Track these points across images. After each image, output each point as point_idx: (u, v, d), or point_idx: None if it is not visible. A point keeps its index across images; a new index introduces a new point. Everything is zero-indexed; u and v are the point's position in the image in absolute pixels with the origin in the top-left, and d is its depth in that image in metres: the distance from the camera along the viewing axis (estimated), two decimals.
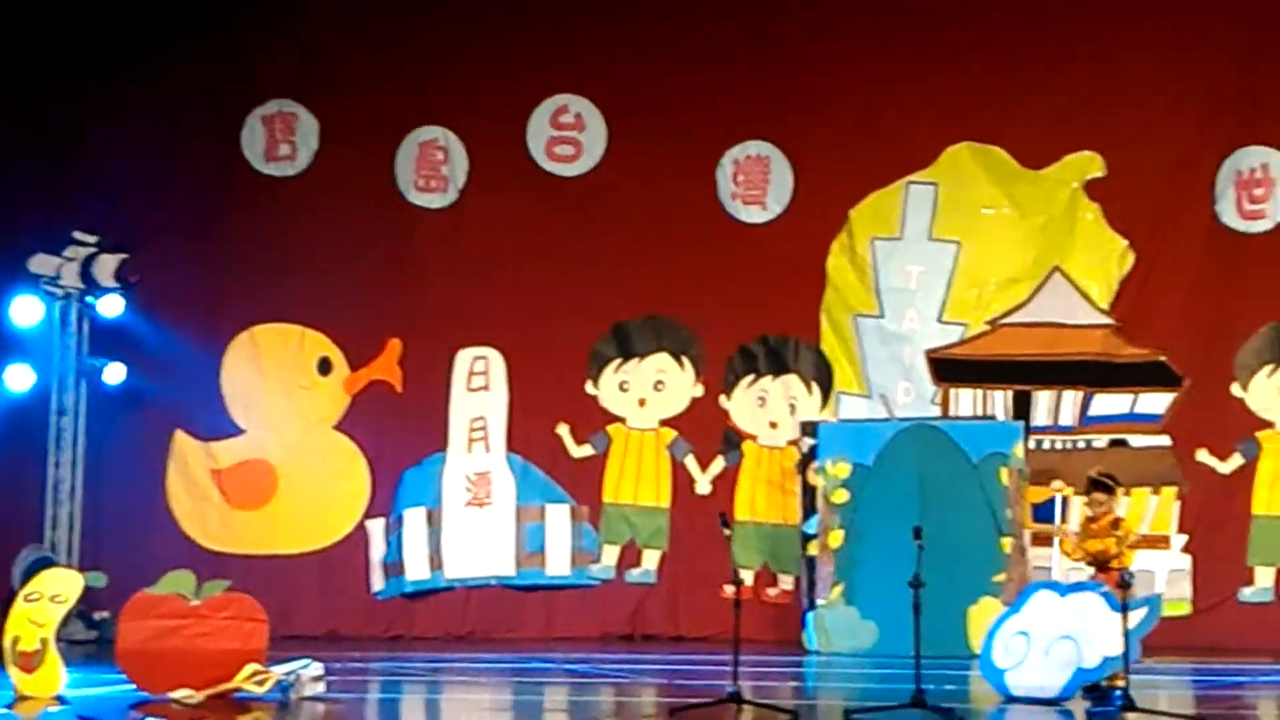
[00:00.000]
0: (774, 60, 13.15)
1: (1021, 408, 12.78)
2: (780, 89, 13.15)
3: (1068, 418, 12.80)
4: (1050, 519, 11.94)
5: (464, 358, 13.28)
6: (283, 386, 13.26)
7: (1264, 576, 12.48)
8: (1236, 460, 12.59)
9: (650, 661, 11.60)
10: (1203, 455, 12.60)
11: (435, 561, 13.04)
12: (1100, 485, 9.61)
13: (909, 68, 13.00)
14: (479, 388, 13.28)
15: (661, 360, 13.26)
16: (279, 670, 9.18)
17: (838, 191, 13.11)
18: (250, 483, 13.15)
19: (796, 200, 13.18)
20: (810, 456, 12.36)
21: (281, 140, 13.37)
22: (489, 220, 13.25)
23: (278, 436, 13.24)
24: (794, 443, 12.88)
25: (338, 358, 13.28)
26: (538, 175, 13.35)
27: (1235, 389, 12.60)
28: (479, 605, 13.09)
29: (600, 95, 13.30)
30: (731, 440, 13.17)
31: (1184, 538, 12.59)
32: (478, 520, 13.11)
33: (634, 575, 13.14)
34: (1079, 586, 9.48)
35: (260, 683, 9.04)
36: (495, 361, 13.28)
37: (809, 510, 12.34)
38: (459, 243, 13.27)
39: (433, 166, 13.35)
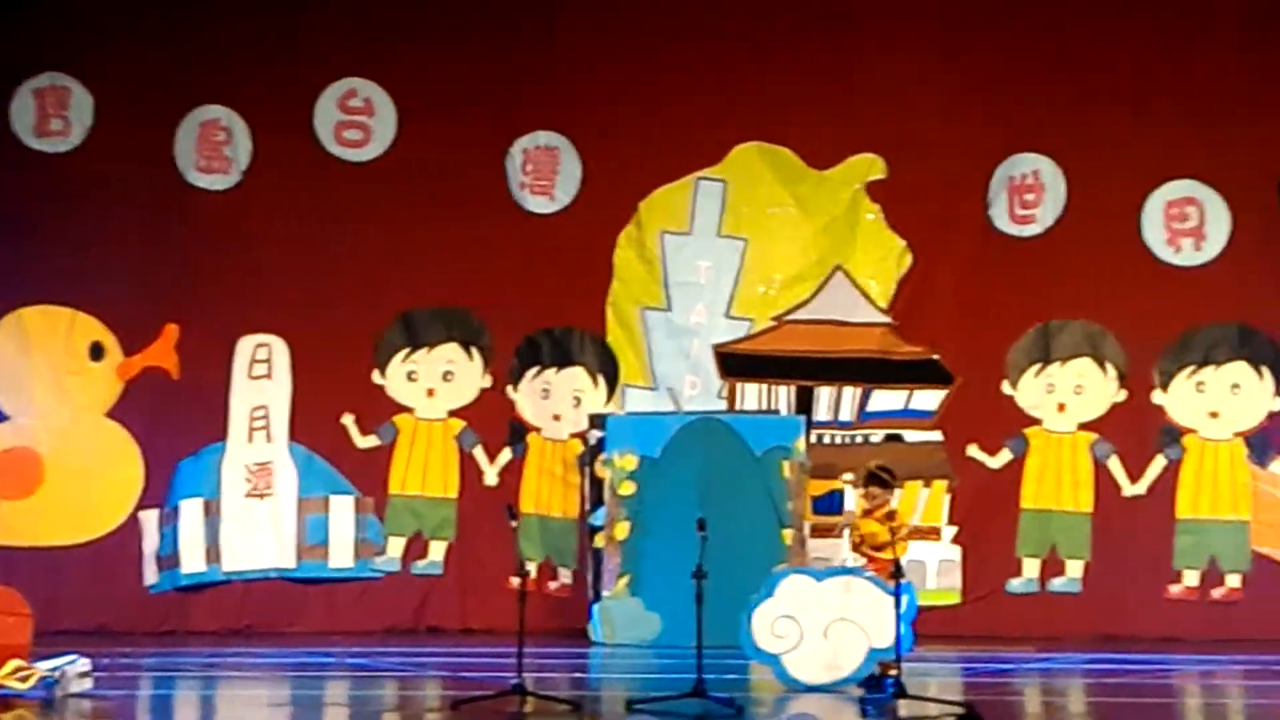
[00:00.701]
0: (565, 51, 13.17)
1: (804, 403, 13.04)
2: (570, 80, 13.16)
3: (847, 413, 13.11)
4: (829, 512, 12.30)
5: (245, 345, 12.96)
6: (51, 372, 12.76)
7: (1030, 567, 12.94)
8: (1005, 456, 13.03)
9: (435, 654, 11.52)
10: (973, 450, 13.01)
11: (212, 554, 12.70)
12: (877, 479, 9.91)
13: (699, 66, 13.12)
14: (261, 375, 12.97)
15: (450, 350, 13.16)
16: (43, 666, 8.86)
17: (627, 184, 13.17)
18: (15, 471, 12.62)
19: (585, 192, 13.20)
20: (598, 449, 12.42)
21: (53, 114, 12.84)
22: (273, 204, 12.95)
23: (45, 424, 12.73)
24: (579, 435, 12.93)
25: (110, 342, 12.83)
26: (325, 159, 13.09)
27: (1005, 387, 13.03)
28: (258, 599, 12.79)
29: (391, 80, 13.11)
30: (517, 432, 13.14)
31: (954, 530, 12.98)
32: (257, 512, 12.82)
33: (420, 567, 13.02)
34: (834, 571, 9.78)
35: (24, 679, 8.74)
36: (278, 349, 12.98)
37: (596, 502, 12.41)
38: (241, 226, 12.92)
39: (214, 147, 12.99)
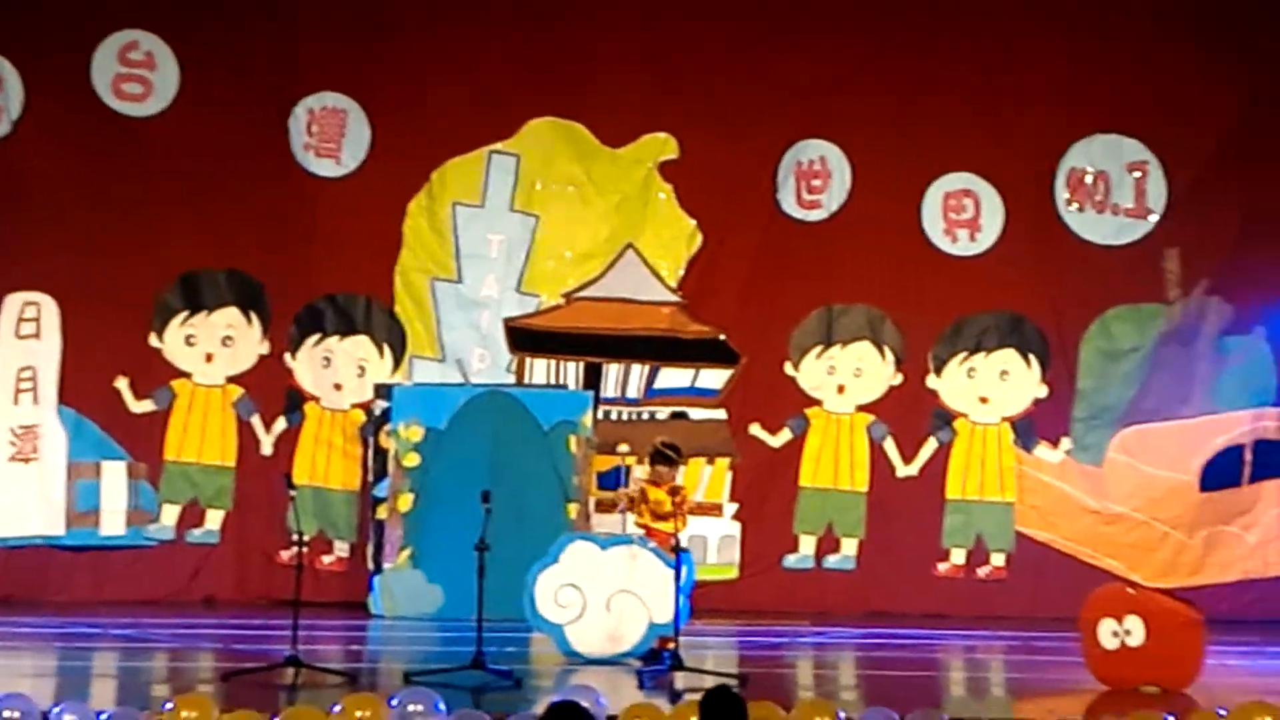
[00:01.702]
0: (356, 12, 12.92)
1: (592, 379, 13.09)
2: (361, 42, 12.92)
3: (634, 390, 13.21)
4: (613, 488, 12.37)
5: (12, 302, 12.42)
6: None
7: (806, 544, 13.24)
8: (786, 435, 13.30)
9: (208, 626, 11.24)
10: (755, 429, 13.24)
11: None
12: (663, 455, 10.02)
13: (495, 37, 13.02)
14: (29, 335, 12.43)
15: (230, 315, 12.80)
16: None
17: (419, 152, 12.99)
18: None
19: (374, 157, 12.97)
20: (383, 419, 12.26)
21: None
22: (46, 157, 12.43)
23: None
24: (362, 405, 12.74)
25: None
26: (103, 113, 12.62)
27: (788, 368, 13.29)
28: (23, 566, 12.30)
29: (173, 34, 12.68)
30: (294, 401, 12.87)
31: (735, 506, 13.20)
32: (23, 476, 12.29)
33: (195, 536, 12.66)
34: (618, 540, 9.88)
35: None
36: (48, 308, 12.45)
37: (380, 474, 12.26)
38: (11, 179, 12.38)
39: None
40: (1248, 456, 13.24)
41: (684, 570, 9.42)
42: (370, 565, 12.26)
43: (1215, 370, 13.34)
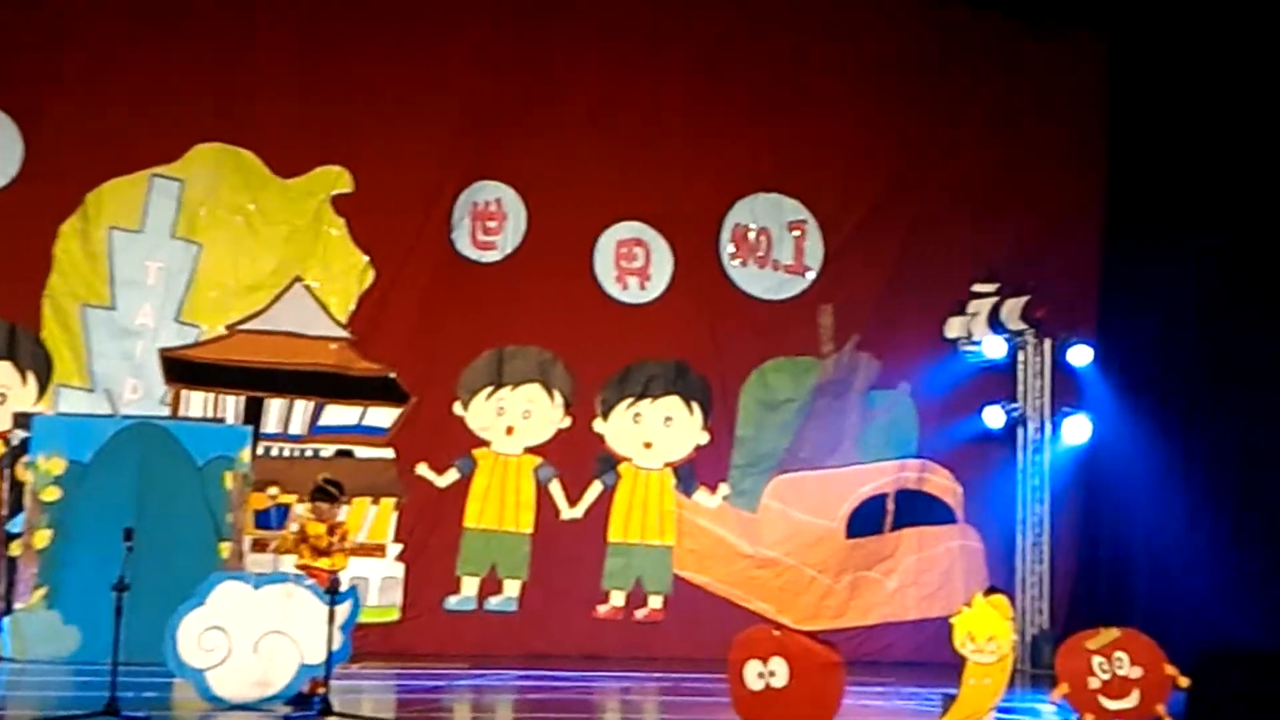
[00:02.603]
0: (11, 18, 12.23)
1: (253, 413, 12.70)
2: (16, 51, 12.26)
3: (298, 426, 12.89)
4: (270, 527, 11.98)
5: None
6: None
7: (469, 586, 13.17)
8: (453, 475, 13.22)
9: None
10: (422, 469, 13.12)
11: None
12: (324, 493, 9.78)
13: (165, 55, 12.57)
14: None
15: None
16: None
17: (73, 172, 12.38)
18: None
19: (25, 174, 12.29)
20: (21, 450, 11.55)
21: None
22: None
23: None
24: (2, 435, 12.02)
25: None
26: None
27: (457, 408, 13.24)
28: None
29: None
30: None
31: (399, 547, 13.03)
32: None
33: None
34: (273, 578, 9.58)
35: None
36: None
37: (15, 508, 11.53)
38: None
39: None
40: (890, 505, 13.95)
41: (347, 606, 9.19)
42: (1, 605, 11.52)
43: (863, 422, 14.02)
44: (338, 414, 13.02)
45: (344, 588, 9.36)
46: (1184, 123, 13.30)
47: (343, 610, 9.10)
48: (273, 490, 10.78)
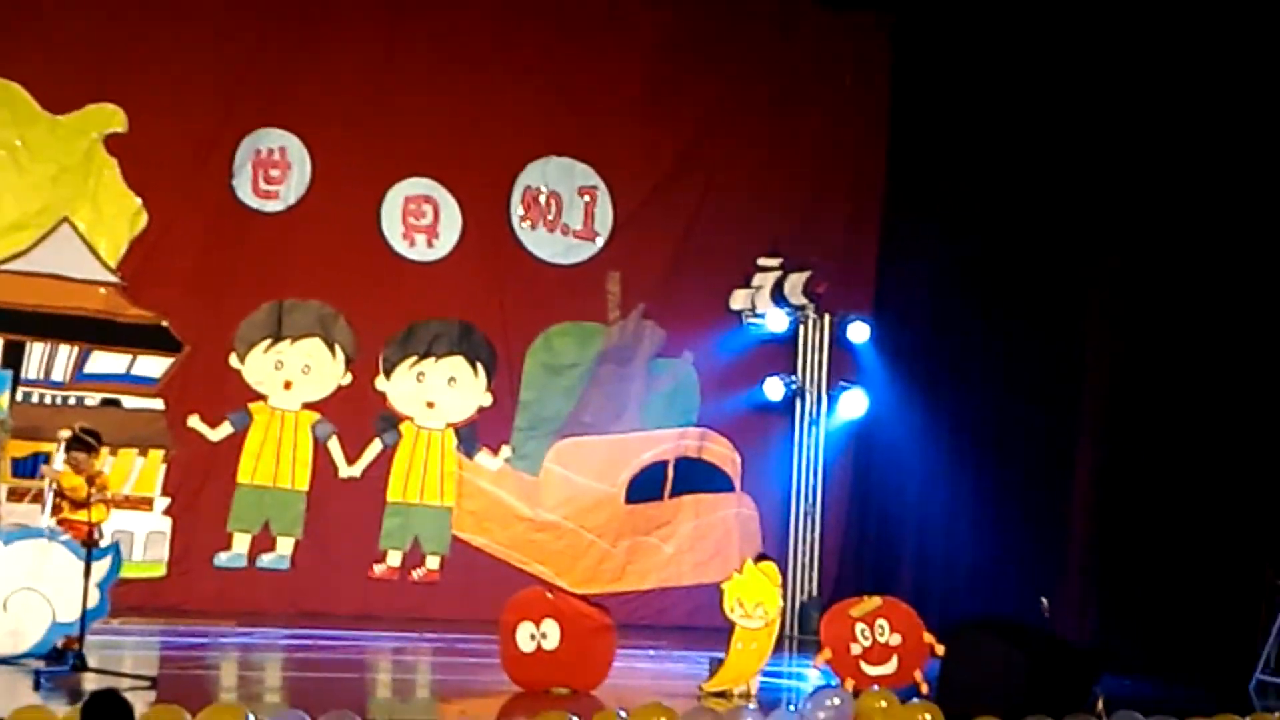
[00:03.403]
0: None
1: (12, 358, 12.10)
2: None
3: (61, 373, 12.36)
4: (31, 476, 11.51)
5: None
6: None
7: (240, 542, 12.87)
8: (226, 429, 12.88)
9: None
10: (194, 421, 12.75)
11: None
12: (81, 442, 9.45)
13: None
14: None
15: None
16: None
17: None
18: None
19: None
20: None
21: None
22: None
23: None
24: None
25: None
26: None
27: (233, 360, 12.89)
28: None
29: None
30: None
31: (167, 500, 12.64)
32: None
33: None
34: (27, 533, 9.24)
35: None
36: None
37: None
38: None
39: None
40: (669, 473, 14.12)
41: (106, 562, 8.88)
42: None
43: (646, 390, 14.13)
44: (105, 361, 12.53)
45: (105, 542, 9.07)
46: (961, 108, 13.70)
47: (101, 566, 8.81)
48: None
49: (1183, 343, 12.20)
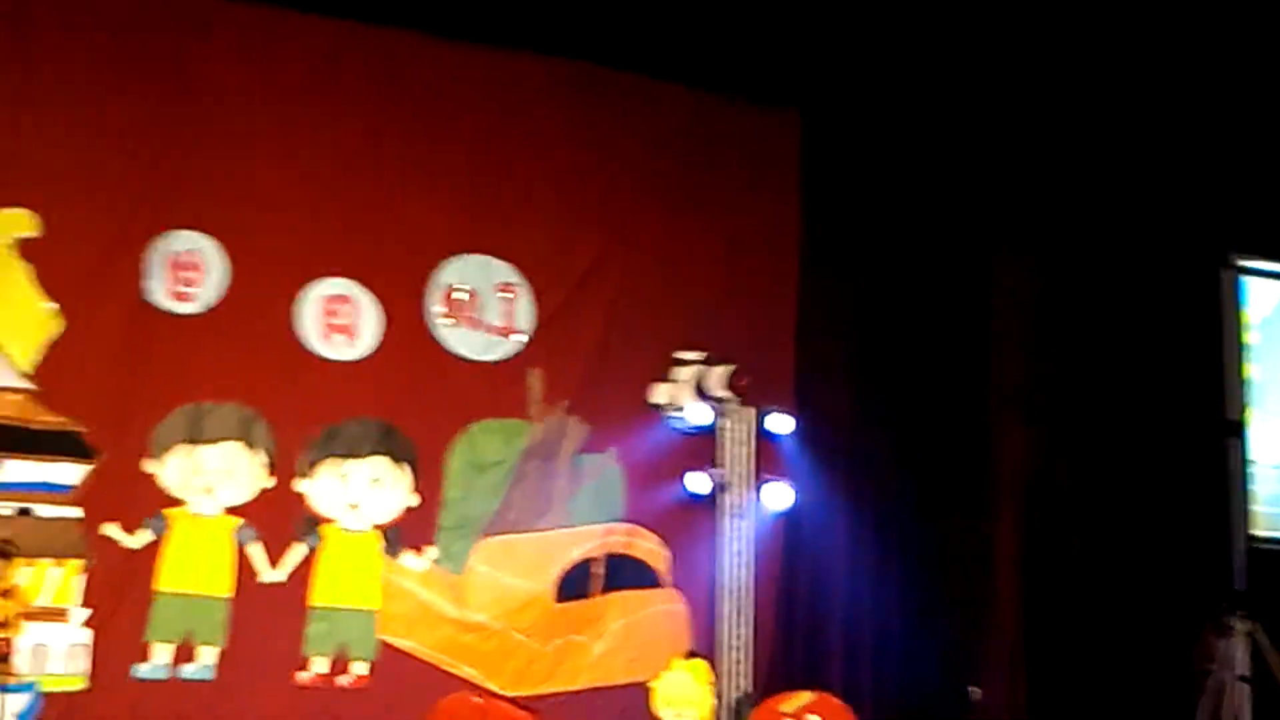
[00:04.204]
0: None
1: None
2: None
3: None
4: None
5: None
6: None
7: (161, 653, 12.57)
8: (145, 535, 12.63)
9: None
10: (111, 529, 12.48)
11: None
12: None
13: None
14: None
15: None
16: None
17: None
18: None
19: None
20: None
21: None
22: None
23: None
24: None
25: None
26: None
27: (149, 465, 12.69)
28: None
29: None
30: None
31: (86, 611, 12.30)
32: None
33: None
34: None
35: None
36: None
37: None
38: None
39: None
40: (598, 570, 14.03)
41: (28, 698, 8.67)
42: None
43: (572, 486, 14.07)
44: (17, 469, 12.25)
45: (18, 655, 8.85)
46: (871, 197, 13.96)
47: (20, 700, 8.59)
48: None
49: (1098, 434, 12.40)
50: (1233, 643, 11.92)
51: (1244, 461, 13.11)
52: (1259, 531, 13.18)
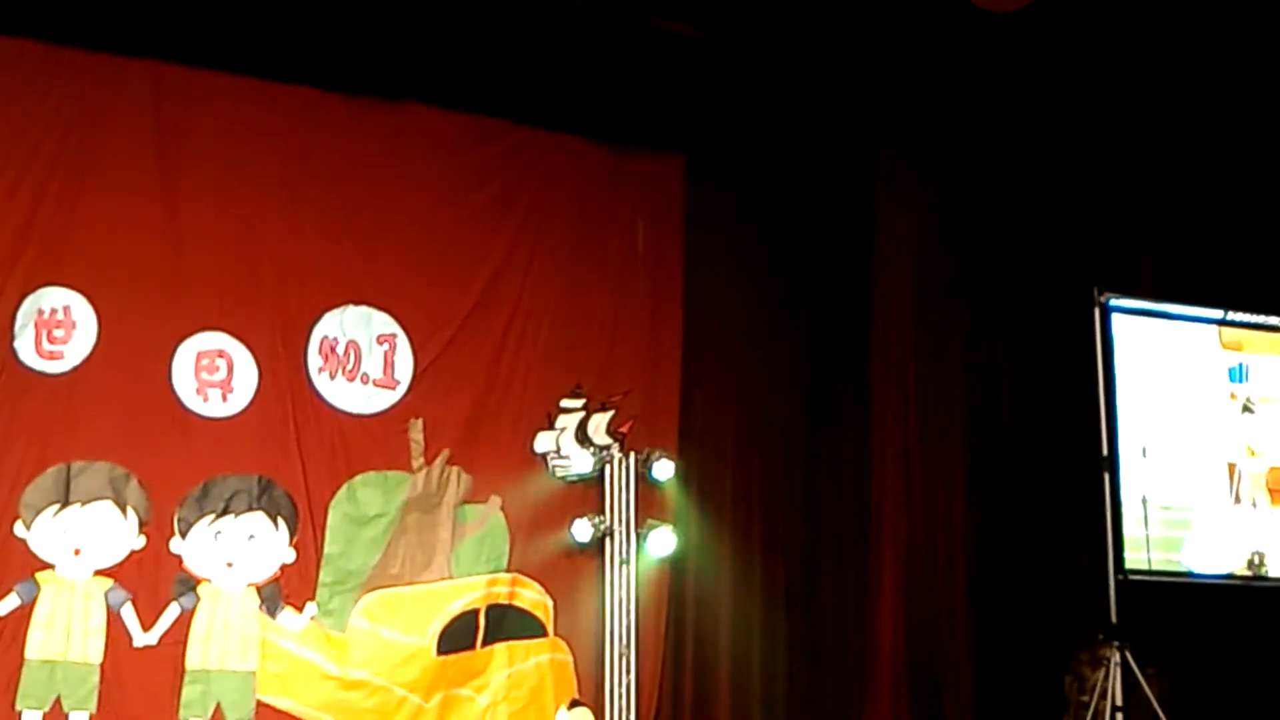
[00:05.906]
0: None
1: None
2: None
3: None
4: None
5: None
6: None
7: None
8: (14, 601, 12.26)
9: None
10: None
11: None
12: None
13: None
14: None
15: None
16: None
17: None
18: None
19: None
20: None
21: None
22: None
23: None
24: None
25: None
26: None
27: (19, 528, 12.34)
28: None
29: None
30: None
31: None
32: None
33: None
34: None
35: None
36: None
37: None
38: None
39: None
40: (481, 621, 13.88)
41: None
42: None
43: (455, 537, 13.92)
44: None
45: None
46: (755, 244, 14.09)
47: None
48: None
49: (977, 474, 12.60)
50: (1108, 673, 12.15)
51: (1115, 495, 13.40)
52: (1131, 563, 13.47)
